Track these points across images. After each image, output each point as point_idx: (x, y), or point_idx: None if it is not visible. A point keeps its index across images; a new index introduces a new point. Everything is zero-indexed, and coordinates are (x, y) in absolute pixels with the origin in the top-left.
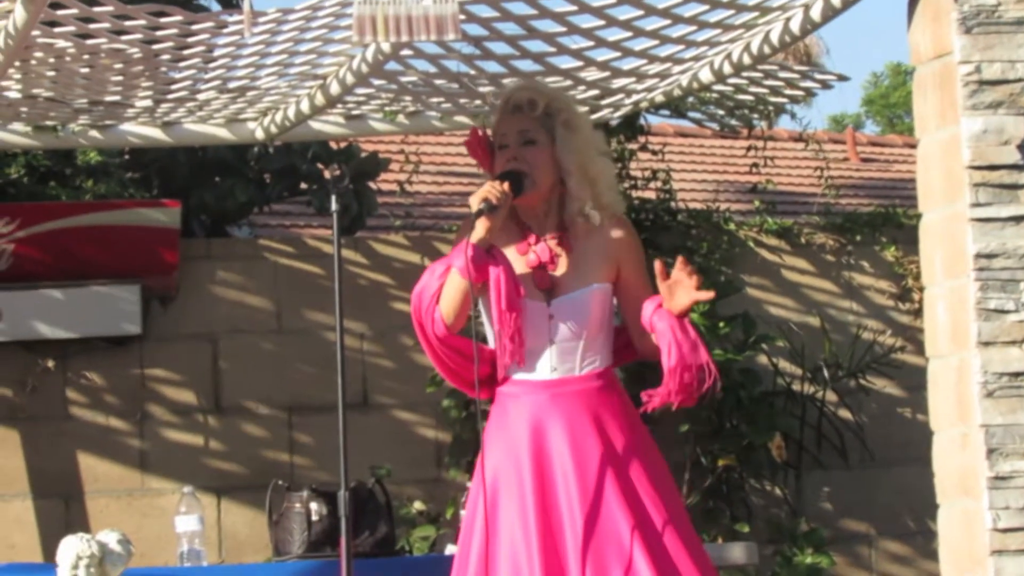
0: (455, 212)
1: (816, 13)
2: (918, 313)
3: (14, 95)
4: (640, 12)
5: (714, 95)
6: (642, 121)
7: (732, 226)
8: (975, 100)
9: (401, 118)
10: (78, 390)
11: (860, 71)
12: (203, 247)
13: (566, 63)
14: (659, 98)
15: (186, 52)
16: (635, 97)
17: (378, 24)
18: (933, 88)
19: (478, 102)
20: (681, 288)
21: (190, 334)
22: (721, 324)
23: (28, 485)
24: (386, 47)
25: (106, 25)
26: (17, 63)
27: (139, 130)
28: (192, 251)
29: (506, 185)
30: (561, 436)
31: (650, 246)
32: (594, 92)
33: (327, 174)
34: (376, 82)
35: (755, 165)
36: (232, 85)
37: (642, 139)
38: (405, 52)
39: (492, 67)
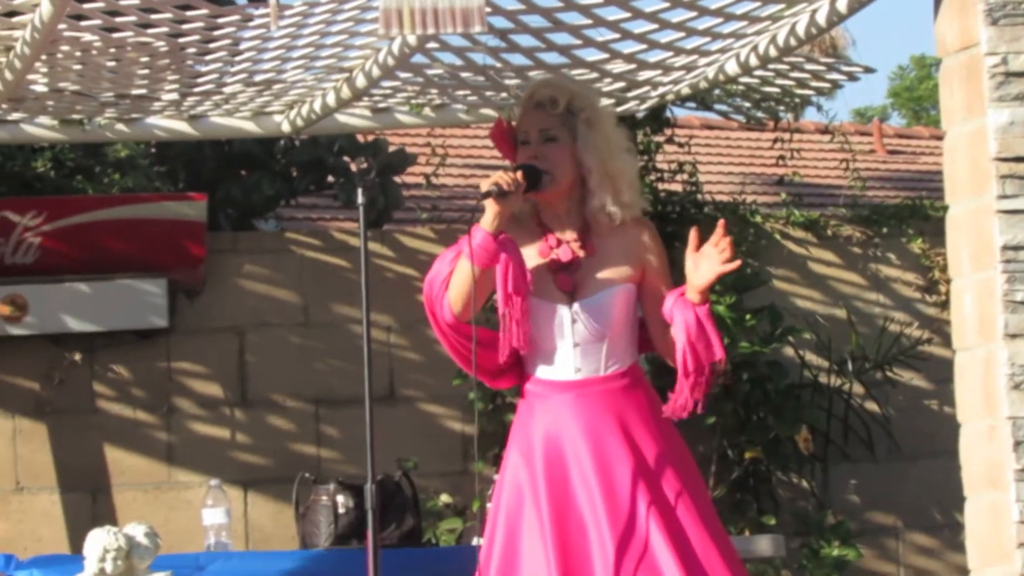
0: (482, 205)
1: (842, 5)
2: (945, 305)
3: (40, 89)
4: (666, 4)
5: (740, 87)
6: (668, 113)
7: (759, 218)
8: (1002, 92)
9: (427, 111)
10: (105, 383)
11: (886, 63)
12: (230, 240)
13: (592, 55)
14: (685, 90)
15: (212, 45)
16: (661, 89)
17: (404, 17)
18: (960, 80)
19: (504, 95)
20: (706, 260)
21: (217, 327)
22: (748, 316)
23: (55, 478)
24: (412, 40)
25: (132, 18)
26: (43, 57)
27: (165, 123)
28: (219, 244)
29: (519, 174)
30: (580, 437)
31: (676, 238)
32: (620, 84)
33: (354, 167)
34: (402, 75)
35: (781, 157)
36: (258, 78)
37: (668, 131)
38: (431, 45)
39: (518, 60)
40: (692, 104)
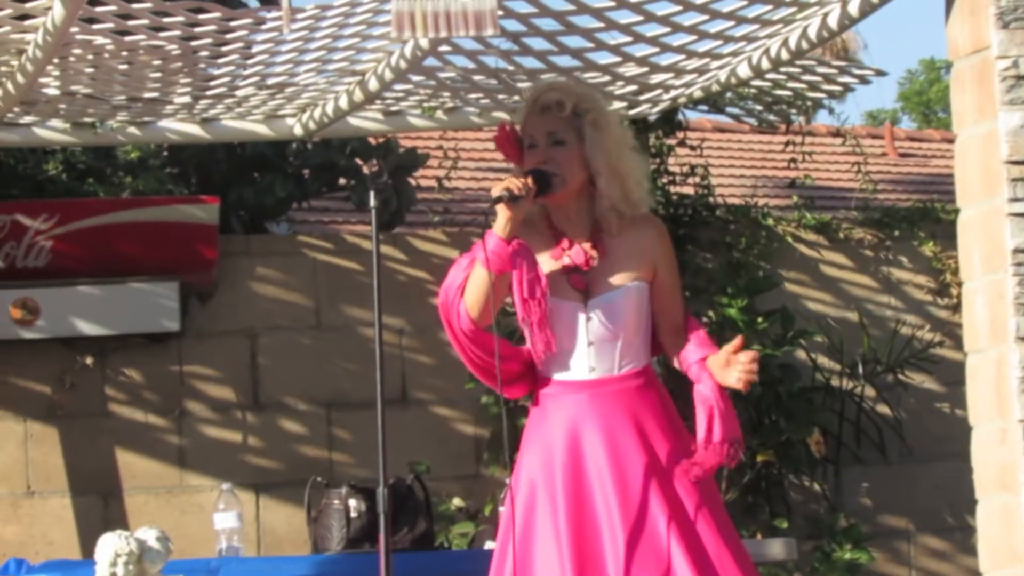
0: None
1: (853, 8)
2: (956, 308)
3: (53, 92)
4: (678, 8)
5: (752, 90)
6: (680, 116)
7: (770, 221)
8: (1013, 95)
9: (439, 114)
10: (117, 387)
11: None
12: (242, 243)
13: (604, 59)
14: (697, 93)
15: (224, 48)
16: (673, 92)
17: (416, 20)
18: (971, 83)
19: (516, 98)
20: (734, 370)
21: (229, 330)
22: (759, 319)
23: (67, 482)
24: (424, 43)
25: (145, 22)
26: (56, 60)
27: (177, 126)
28: (231, 247)
29: (530, 179)
30: (598, 438)
31: (689, 241)
32: (632, 88)
33: (366, 170)
34: (414, 78)
35: (793, 160)
36: (270, 81)
37: (680, 134)
38: (443, 48)
39: (530, 63)
40: (704, 107)
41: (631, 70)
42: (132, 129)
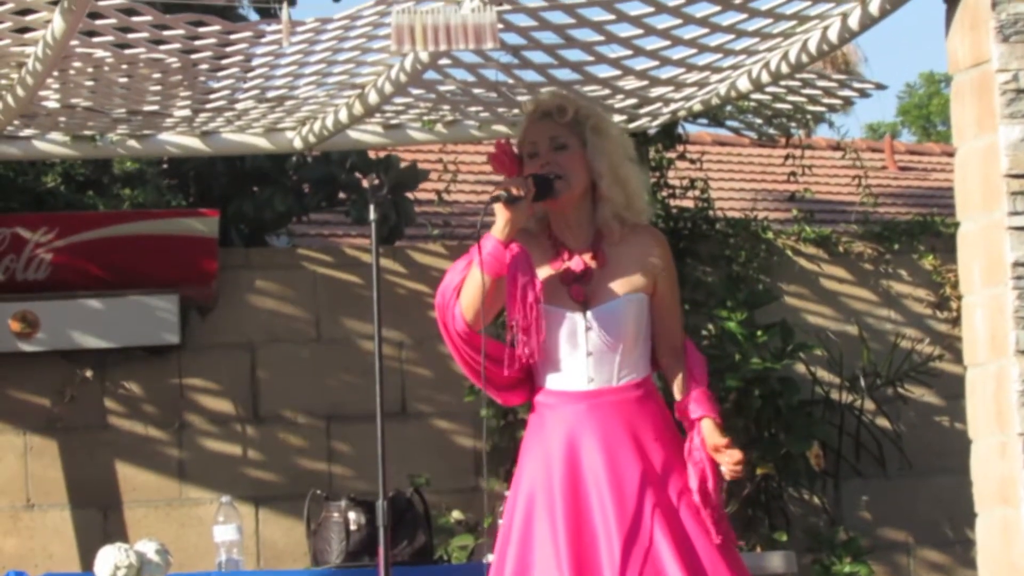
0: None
1: (854, 22)
2: (956, 321)
3: (52, 105)
4: (678, 21)
5: (752, 104)
6: (680, 130)
7: (770, 234)
8: (1013, 108)
9: (439, 127)
10: (116, 400)
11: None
12: (241, 256)
13: (604, 72)
14: (697, 107)
15: (224, 62)
16: (673, 106)
17: (416, 33)
18: (971, 96)
19: (516, 111)
20: (722, 461)
21: (228, 343)
22: (759, 332)
23: (66, 495)
24: (424, 56)
25: (144, 35)
26: (56, 73)
27: (177, 139)
28: (231, 260)
29: (529, 181)
30: (596, 449)
31: (688, 254)
32: (632, 101)
33: (365, 183)
34: (414, 91)
35: (793, 174)
36: (270, 94)
37: (680, 148)
38: (443, 61)
39: (530, 76)
40: (704, 120)
41: (631, 83)
42: (132, 142)
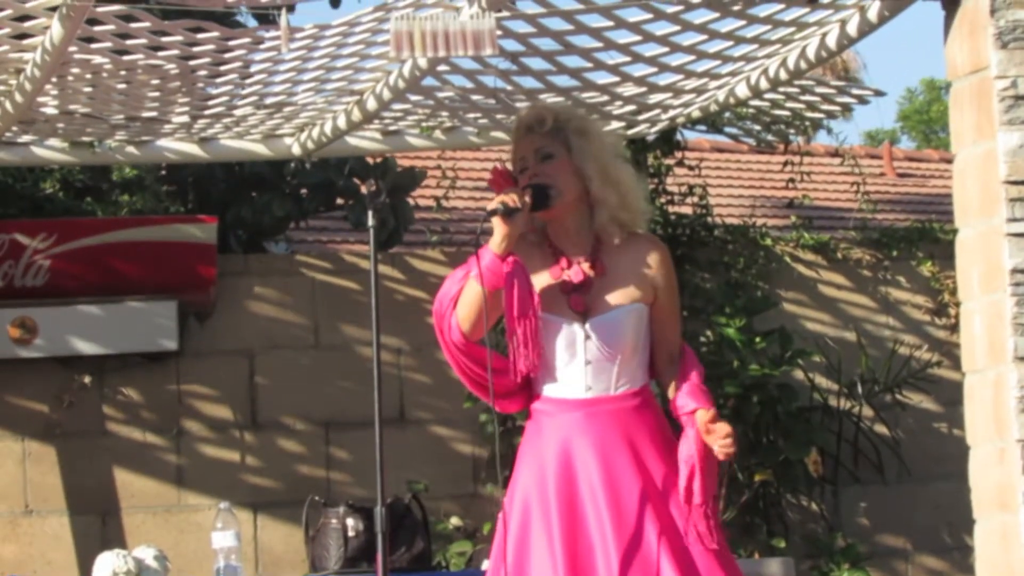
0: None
1: (852, 28)
2: (954, 328)
3: (51, 111)
4: (677, 28)
5: (751, 110)
6: (679, 136)
7: (769, 241)
8: (1011, 115)
9: (438, 133)
10: (115, 406)
11: (897, 86)
12: (240, 263)
13: (603, 79)
14: (696, 113)
15: (223, 68)
16: (672, 112)
17: (415, 40)
18: (969, 103)
19: (515, 118)
20: (713, 441)
21: (227, 350)
22: (758, 339)
23: (65, 501)
24: (423, 63)
25: (143, 41)
26: (54, 79)
27: (176, 146)
28: (229, 267)
29: (526, 193)
30: (591, 456)
31: (687, 261)
32: (631, 107)
33: (364, 189)
34: (413, 98)
35: (791, 180)
36: (269, 101)
37: (679, 154)
38: (442, 68)
39: (529, 82)
40: (702, 127)
41: (629, 90)
42: (130, 148)
